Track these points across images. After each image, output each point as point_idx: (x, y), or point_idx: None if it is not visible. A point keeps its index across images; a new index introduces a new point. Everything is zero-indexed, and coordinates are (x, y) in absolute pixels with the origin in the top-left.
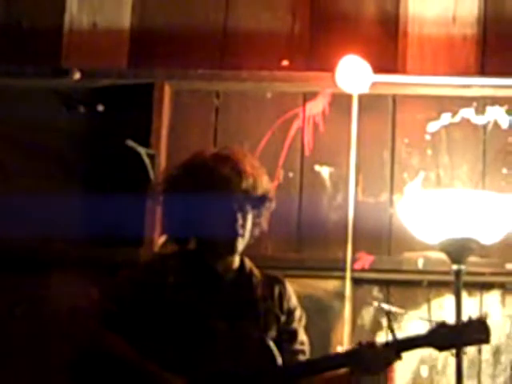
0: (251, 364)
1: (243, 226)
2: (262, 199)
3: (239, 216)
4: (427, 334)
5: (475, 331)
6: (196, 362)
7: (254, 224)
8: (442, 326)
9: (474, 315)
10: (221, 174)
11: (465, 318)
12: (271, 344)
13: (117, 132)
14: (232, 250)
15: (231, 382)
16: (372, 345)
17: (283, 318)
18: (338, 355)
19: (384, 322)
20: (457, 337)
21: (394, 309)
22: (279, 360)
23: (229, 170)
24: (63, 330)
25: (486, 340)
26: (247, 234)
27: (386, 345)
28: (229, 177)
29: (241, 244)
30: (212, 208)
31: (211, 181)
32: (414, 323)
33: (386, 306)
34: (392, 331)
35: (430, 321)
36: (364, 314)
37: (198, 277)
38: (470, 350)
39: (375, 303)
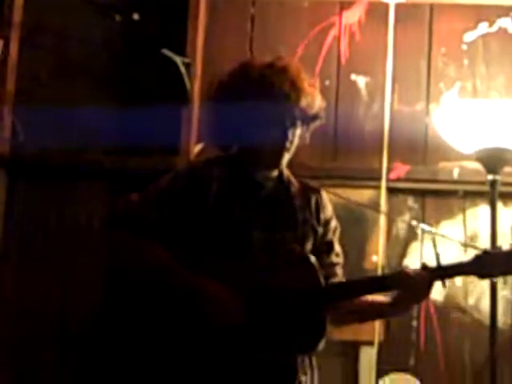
0: (293, 280)
1: (291, 142)
2: (315, 118)
3: (290, 132)
4: (471, 261)
5: None
6: (232, 273)
7: (300, 137)
8: (485, 254)
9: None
10: (281, 89)
11: (504, 245)
12: (314, 261)
13: (153, 41)
14: (277, 163)
15: (273, 297)
16: (417, 270)
17: (320, 230)
18: (382, 277)
19: (419, 231)
20: (499, 265)
21: (429, 228)
22: (322, 278)
23: (288, 85)
24: (98, 235)
25: None
26: (293, 148)
27: (432, 271)
28: (288, 93)
29: (286, 158)
30: (265, 120)
31: (270, 94)
32: (447, 233)
33: (424, 226)
34: (437, 258)
35: (437, 254)
36: (399, 223)
37: (240, 185)
38: None
39: (414, 222)
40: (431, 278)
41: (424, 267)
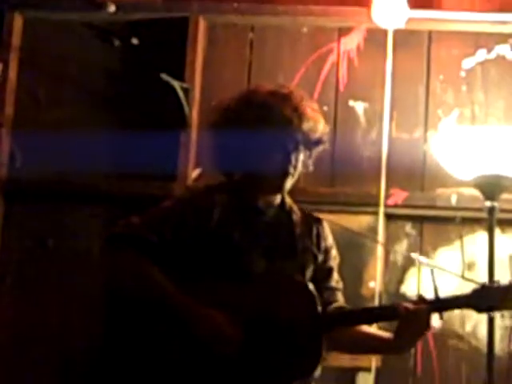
0: (291, 308)
1: (295, 167)
2: (318, 143)
3: (293, 157)
4: (469, 294)
5: None
6: (230, 299)
7: (303, 164)
8: (483, 288)
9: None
10: (283, 114)
11: (504, 280)
12: (313, 288)
13: (151, 65)
14: (279, 188)
15: (270, 324)
16: (415, 303)
17: (320, 257)
18: (380, 308)
19: (416, 258)
20: (497, 300)
21: (426, 260)
22: (320, 306)
23: (290, 110)
24: (98, 256)
25: None
26: (296, 174)
27: (429, 303)
28: (290, 118)
29: (289, 183)
30: (268, 145)
31: (272, 119)
32: (445, 259)
33: (423, 259)
34: (435, 290)
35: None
36: (397, 250)
37: (241, 212)
38: None
39: (414, 255)
40: (429, 311)
41: (421, 299)
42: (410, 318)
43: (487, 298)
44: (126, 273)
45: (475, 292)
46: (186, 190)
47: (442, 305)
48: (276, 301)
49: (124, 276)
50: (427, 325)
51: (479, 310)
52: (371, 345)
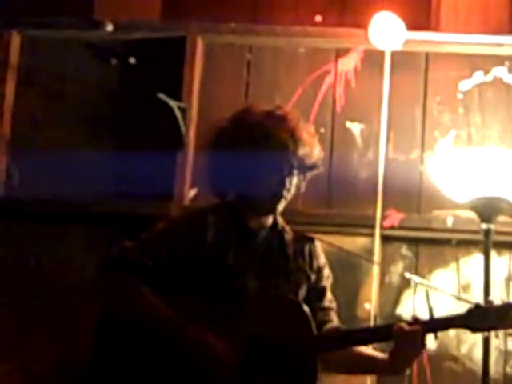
0: (286, 329)
1: (288, 190)
2: (312, 168)
3: (287, 181)
4: (463, 314)
5: (510, 315)
6: (224, 321)
7: (296, 187)
8: (477, 308)
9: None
10: (279, 138)
11: (498, 301)
12: (307, 310)
13: (148, 85)
14: (272, 211)
15: (266, 345)
16: (410, 323)
17: (313, 277)
18: (375, 329)
19: (411, 277)
20: (491, 320)
21: (421, 280)
22: (314, 327)
23: (287, 135)
24: (92, 280)
25: None
26: (289, 197)
27: (424, 324)
28: (286, 142)
29: (281, 206)
30: (262, 169)
31: (267, 142)
32: (440, 281)
33: (417, 279)
34: (430, 310)
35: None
36: (392, 271)
37: (234, 233)
38: None
39: (408, 275)
40: (424, 331)
41: (416, 320)
42: (405, 338)
43: (482, 318)
44: (119, 297)
45: (470, 312)
46: (182, 211)
47: (437, 325)
48: (270, 322)
49: (118, 300)
50: (422, 345)
51: (473, 329)
52: (367, 365)
